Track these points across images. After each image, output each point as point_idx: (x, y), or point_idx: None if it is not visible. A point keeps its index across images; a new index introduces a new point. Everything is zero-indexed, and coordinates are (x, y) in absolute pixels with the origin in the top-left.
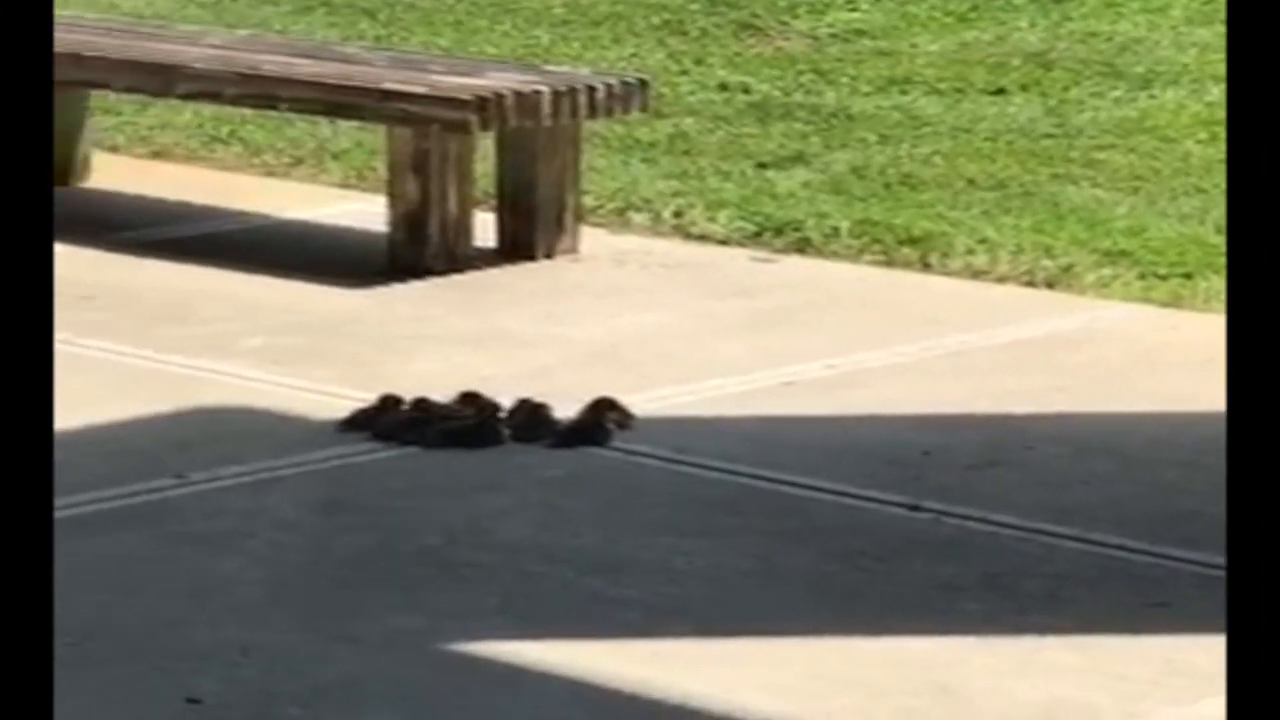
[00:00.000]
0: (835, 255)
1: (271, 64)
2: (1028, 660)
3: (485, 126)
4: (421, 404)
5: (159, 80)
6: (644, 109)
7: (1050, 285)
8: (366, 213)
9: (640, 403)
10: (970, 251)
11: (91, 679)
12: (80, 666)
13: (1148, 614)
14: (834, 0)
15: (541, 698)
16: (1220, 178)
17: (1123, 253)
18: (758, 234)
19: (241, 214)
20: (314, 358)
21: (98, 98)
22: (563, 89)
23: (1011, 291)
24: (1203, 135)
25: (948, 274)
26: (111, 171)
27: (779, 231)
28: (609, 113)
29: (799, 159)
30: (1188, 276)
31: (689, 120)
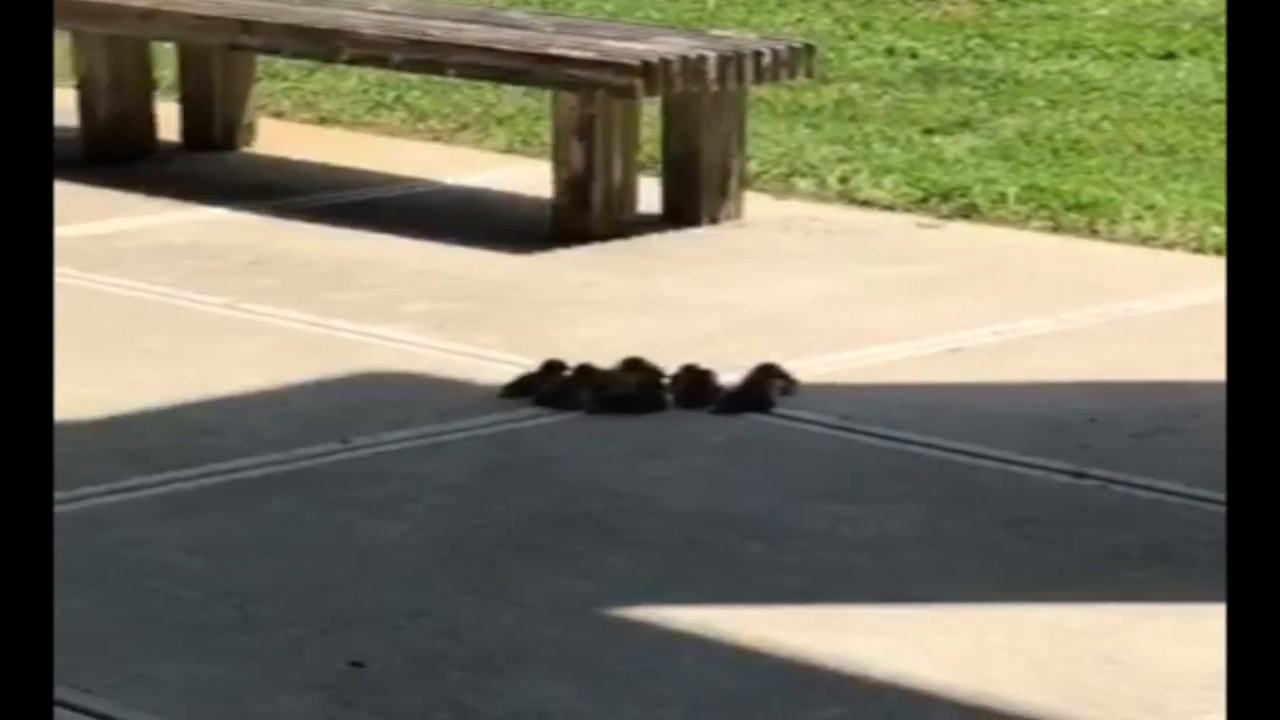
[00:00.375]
0: (1002, 221)
1: (438, 29)
2: (1193, 629)
3: (651, 92)
4: (585, 370)
5: (325, 46)
6: (810, 74)
7: (1219, 252)
8: (531, 178)
9: (804, 369)
10: (1138, 217)
11: (256, 643)
12: (245, 630)
13: None
14: None
15: (703, 664)
16: None
17: None
18: (923, 200)
19: (406, 179)
20: (478, 323)
21: (264, 63)
22: (728, 54)
23: (1179, 258)
24: None
25: (1115, 240)
26: (277, 137)
27: (945, 197)
28: (775, 78)
29: (966, 124)
30: None
31: (855, 85)
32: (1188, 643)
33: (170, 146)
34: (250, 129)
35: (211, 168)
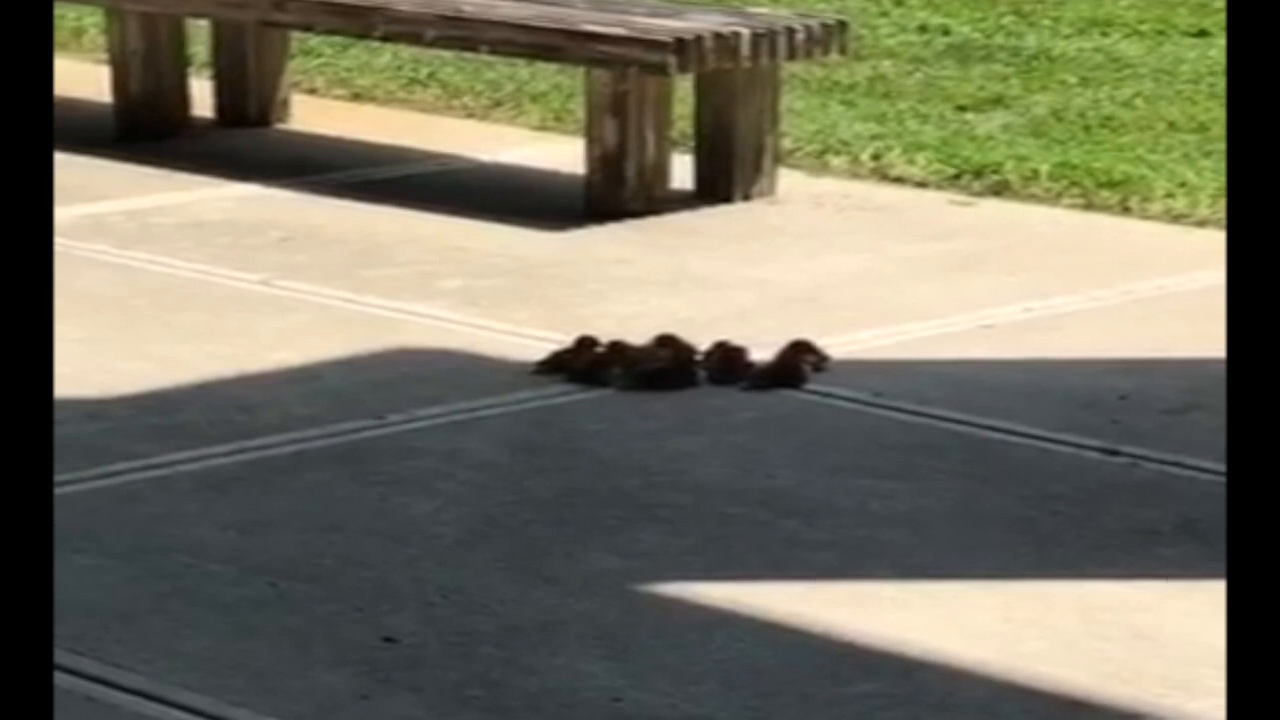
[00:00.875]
0: (1034, 198)
1: (471, 6)
2: (1222, 606)
3: (684, 68)
4: (618, 346)
5: (360, 23)
6: (843, 51)
7: None
8: (564, 155)
9: (837, 345)
10: (1170, 195)
11: (289, 619)
12: (278, 607)
13: None
14: None
15: (735, 639)
16: None
17: None
18: (956, 177)
19: (439, 156)
20: (511, 300)
21: (298, 40)
22: (762, 31)
23: (1211, 235)
24: None
25: (1147, 218)
26: (311, 113)
27: (978, 174)
28: (808, 55)
29: (998, 101)
30: None
31: (888, 62)
32: (1218, 620)
33: (204, 123)
34: (284, 105)
35: (245, 144)
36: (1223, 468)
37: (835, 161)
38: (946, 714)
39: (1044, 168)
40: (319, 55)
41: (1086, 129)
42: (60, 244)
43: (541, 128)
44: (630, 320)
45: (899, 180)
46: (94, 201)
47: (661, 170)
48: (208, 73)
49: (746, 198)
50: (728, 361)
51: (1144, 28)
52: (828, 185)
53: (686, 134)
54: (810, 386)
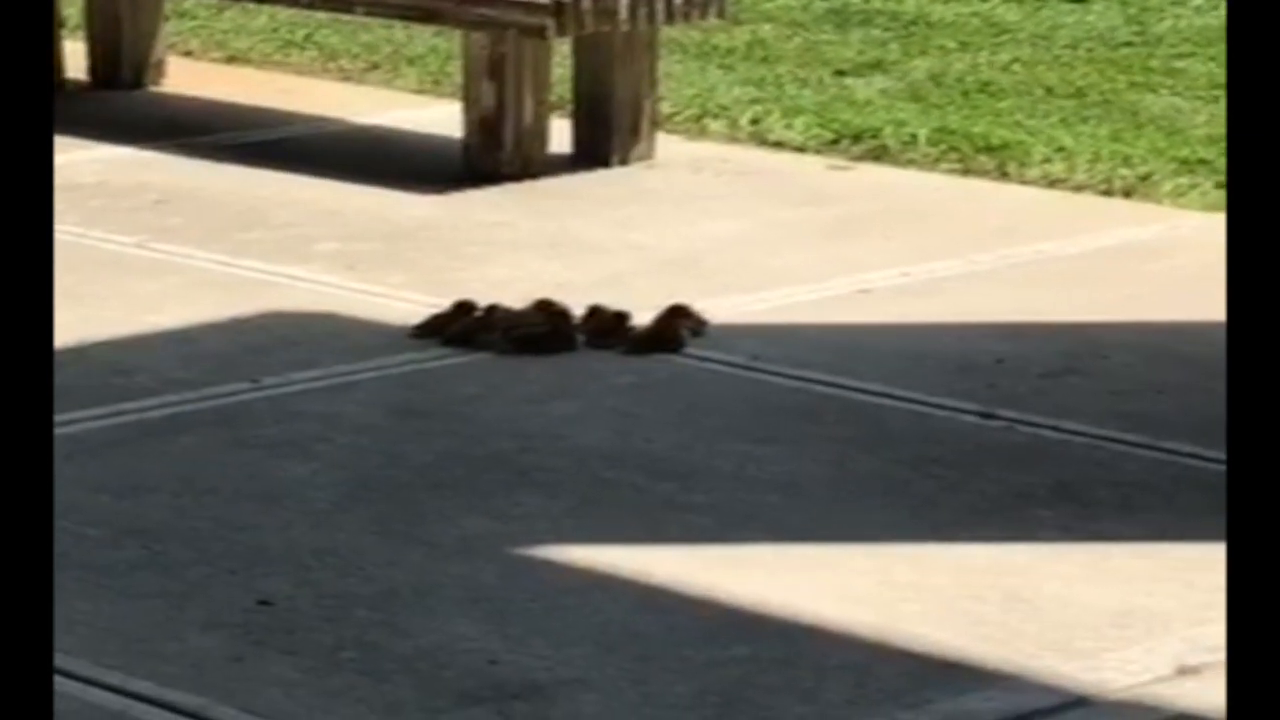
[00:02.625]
0: (912, 163)
1: None
2: (1099, 567)
3: (562, 31)
4: (495, 310)
5: None
6: (721, 15)
7: (1128, 194)
8: (442, 118)
9: (714, 310)
10: (1048, 160)
11: (164, 582)
12: (153, 569)
13: (1219, 522)
14: None
15: (611, 602)
16: None
17: (1201, 161)
18: (835, 141)
19: (316, 119)
20: (388, 263)
21: (173, 1)
22: None
23: (1088, 200)
24: None
25: (1025, 182)
26: (186, 76)
27: (856, 139)
28: (686, 18)
29: (877, 66)
30: None
31: (767, 26)
32: (1093, 583)
33: (77, 85)
34: (159, 67)
35: (119, 106)
36: (1098, 431)
37: (714, 126)
38: (823, 676)
39: (922, 132)
40: (194, 18)
41: (964, 94)
42: None
43: (419, 91)
44: (508, 284)
45: (777, 145)
46: None
47: (539, 134)
48: (81, 34)
49: (624, 162)
50: (605, 325)
51: None
52: (706, 149)
53: (565, 98)
54: (688, 351)
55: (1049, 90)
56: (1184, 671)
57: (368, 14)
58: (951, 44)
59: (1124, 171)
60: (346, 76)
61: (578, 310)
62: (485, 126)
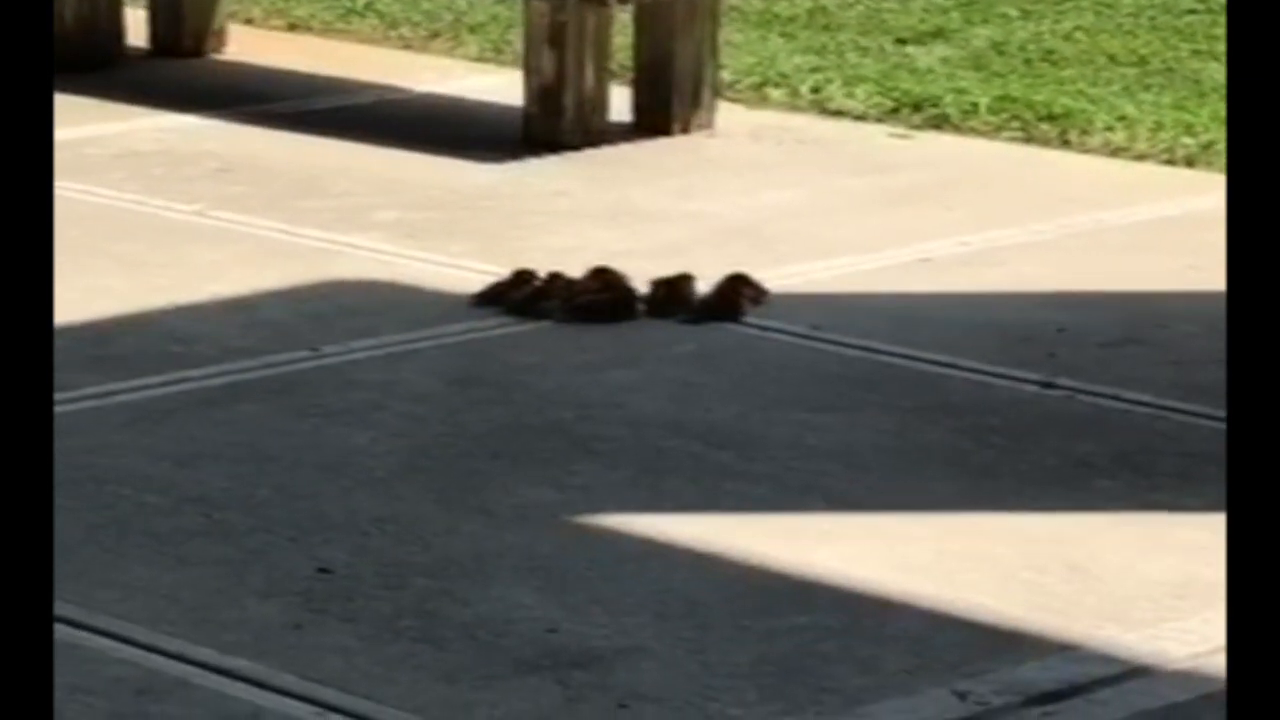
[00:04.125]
0: (973, 132)
1: None
2: (1158, 538)
3: (623, 0)
4: (555, 278)
5: None
6: None
7: (1189, 163)
8: (502, 87)
9: (775, 279)
10: (1109, 129)
11: (225, 550)
12: (214, 537)
13: None
14: None
15: (670, 571)
16: None
17: None
18: (895, 110)
19: (376, 87)
20: (448, 232)
21: None
22: None
23: (1150, 169)
24: None
25: (1086, 151)
26: (247, 44)
27: (917, 107)
28: None
29: (939, 34)
30: None
31: None
32: (1152, 552)
33: (139, 53)
34: (220, 35)
35: (181, 74)
36: (1158, 400)
37: (774, 94)
38: (881, 646)
39: (983, 101)
40: None
41: (1027, 62)
42: None
43: (479, 59)
44: (567, 253)
45: (838, 113)
46: None
47: (600, 102)
48: (143, 2)
49: (685, 130)
50: (666, 294)
51: None
52: (766, 118)
53: (625, 66)
54: (748, 320)
55: (1111, 58)
56: None
57: None
58: (1014, 12)
59: (1186, 140)
60: (407, 45)
61: (638, 279)
62: (546, 95)
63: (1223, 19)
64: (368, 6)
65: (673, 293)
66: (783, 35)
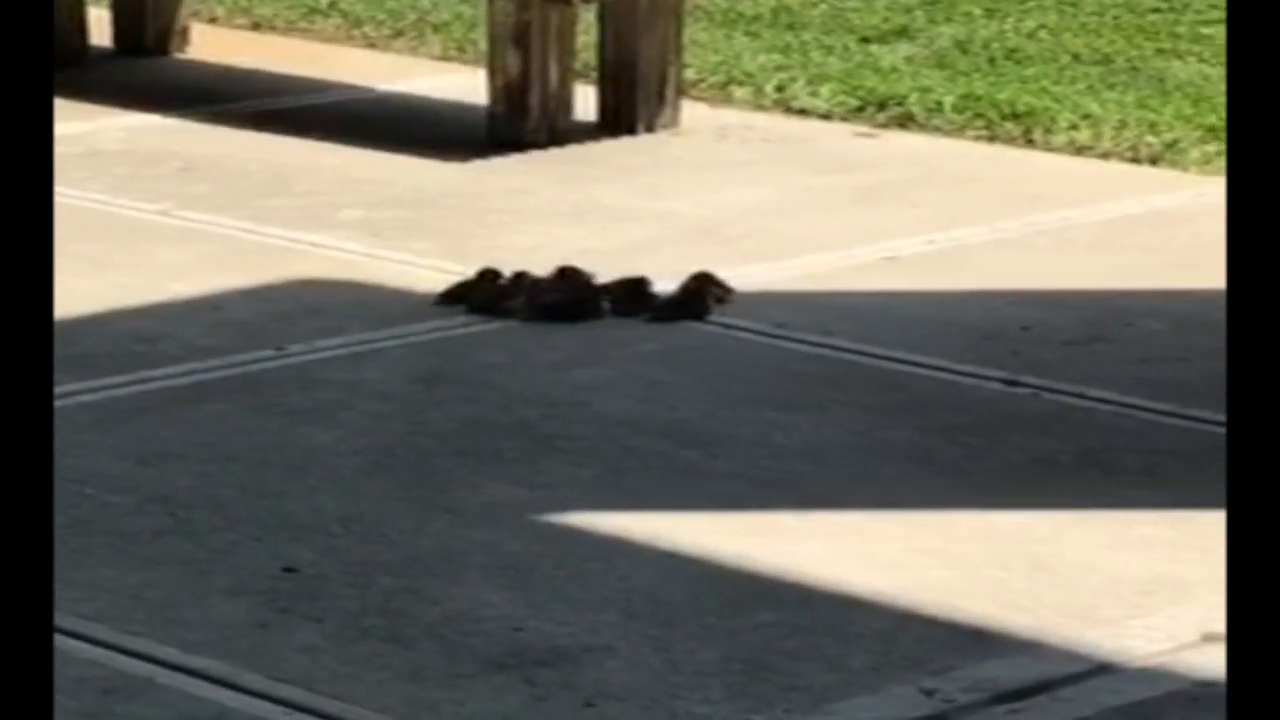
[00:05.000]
0: (938, 130)
1: None
2: (1123, 535)
3: None
4: (520, 277)
5: None
6: None
7: (1154, 161)
8: (466, 85)
9: (740, 277)
10: (1074, 127)
11: (188, 549)
12: (178, 536)
13: None
14: None
15: (636, 569)
16: None
17: None
18: (860, 109)
19: (340, 86)
20: (412, 231)
21: None
22: None
23: (1115, 168)
24: None
25: (1051, 149)
26: (211, 43)
27: (881, 106)
28: None
29: (903, 33)
30: None
31: None
32: (1118, 550)
33: (102, 52)
34: (183, 34)
35: (144, 74)
36: (1123, 398)
37: (739, 93)
38: (847, 643)
39: (948, 99)
40: None
41: (991, 60)
42: None
43: (444, 58)
44: (532, 251)
45: (803, 112)
46: None
47: (564, 101)
48: (106, 1)
49: (650, 129)
50: (631, 293)
51: None
52: (731, 117)
53: (589, 65)
54: (713, 318)
55: (1075, 57)
56: (1209, 639)
57: None
58: (977, 10)
59: (1150, 139)
60: (371, 43)
61: (603, 277)
62: (510, 94)
63: (1185, 18)
64: (331, 6)
65: (636, 291)
66: (747, 34)
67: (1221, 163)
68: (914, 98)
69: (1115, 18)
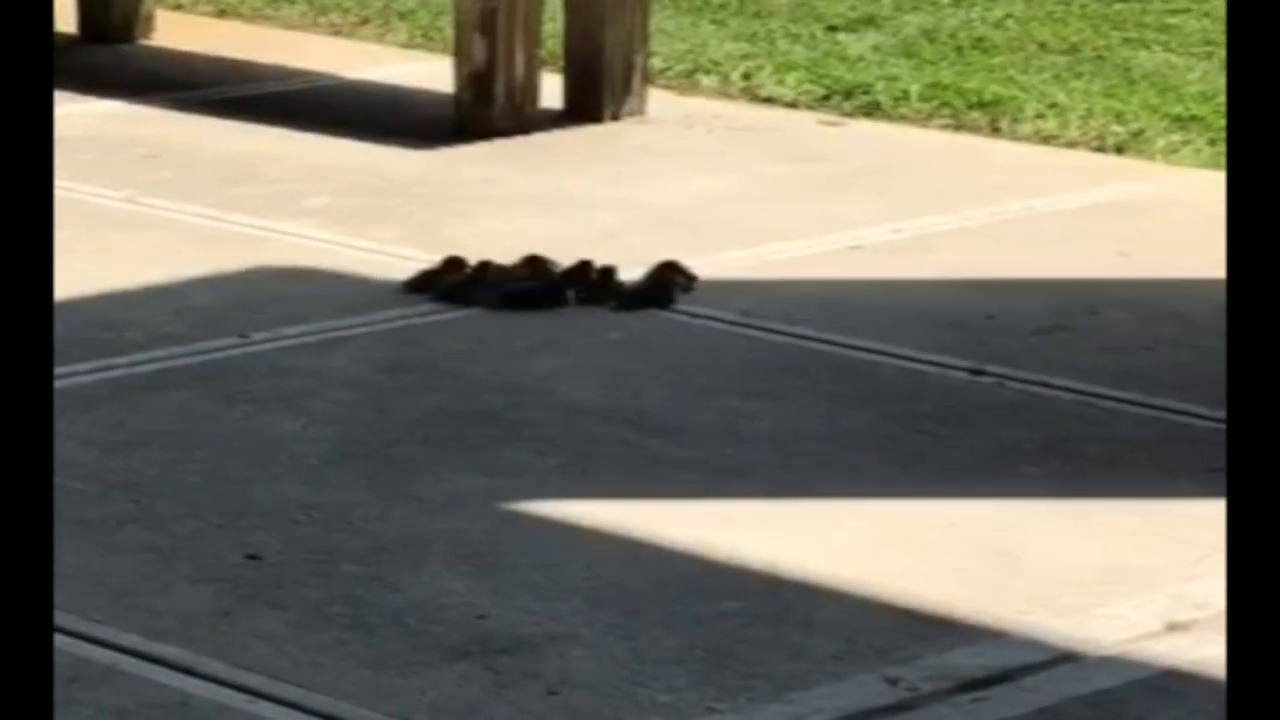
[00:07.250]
0: (904, 119)
1: None
2: (1087, 524)
3: None
4: (485, 266)
5: None
6: None
7: (1120, 151)
8: (433, 73)
9: (705, 266)
10: (1040, 116)
11: (153, 536)
12: (142, 523)
13: (1208, 478)
14: None
15: (600, 558)
16: None
17: (1194, 118)
18: (826, 97)
19: (306, 74)
20: (378, 218)
21: None
22: None
23: (1081, 157)
24: None
25: (1017, 139)
26: (176, 29)
27: (848, 95)
28: None
29: (869, 22)
30: None
31: None
32: (1082, 539)
33: (66, 38)
34: (148, 21)
35: (108, 60)
36: (1087, 387)
37: (705, 81)
38: (811, 632)
39: (914, 88)
40: None
41: (957, 49)
42: None
43: (409, 45)
44: (498, 239)
45: (769, 100)
46: None
47: (530, 89)
48: None
49: (616, 117)
50: (596, 281)
51: None
52: (698, 105)
53: (556, 53)
54: (679, 306)
55: (1042, 46)
56: (1172, 628)
57: None
58: None
59: (1116, 128)
60: (337, 31)
61: (568, 266)
62: (476, 82)
63: (1151, 8)
64: None
65: (601, 280)
66: (714, 22)
67: (1187, 152)
68: (880, 86)
69: (1082, 7)
